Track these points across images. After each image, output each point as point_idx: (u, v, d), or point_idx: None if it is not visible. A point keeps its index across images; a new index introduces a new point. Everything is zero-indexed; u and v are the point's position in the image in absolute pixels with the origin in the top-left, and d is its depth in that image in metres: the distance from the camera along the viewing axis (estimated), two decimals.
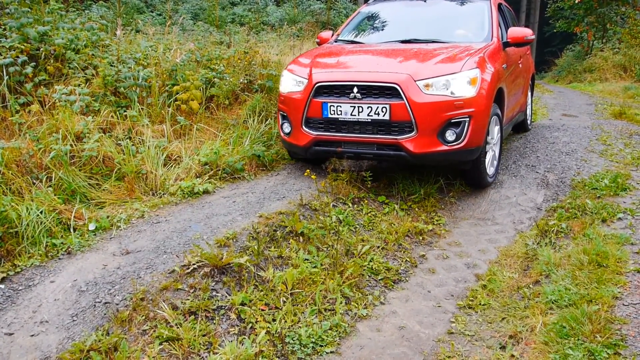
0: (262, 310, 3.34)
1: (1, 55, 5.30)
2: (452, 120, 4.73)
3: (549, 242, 4.34)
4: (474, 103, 4.77)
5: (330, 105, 4.90)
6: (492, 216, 4.99)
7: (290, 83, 5.30)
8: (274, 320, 3.27)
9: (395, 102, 4.69)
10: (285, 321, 3.26)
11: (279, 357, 3.01)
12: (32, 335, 3.03)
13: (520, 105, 7.02)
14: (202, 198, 4.73)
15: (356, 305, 3.56)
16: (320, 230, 4.23)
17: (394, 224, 4.67)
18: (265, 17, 16.31)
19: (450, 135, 4.74)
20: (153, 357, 2.85)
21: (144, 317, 3.11)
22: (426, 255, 4.31)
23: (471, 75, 4.80)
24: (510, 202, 5.21)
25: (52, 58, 5.66)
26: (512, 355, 3.03)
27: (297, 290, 3.54)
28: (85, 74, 5.80)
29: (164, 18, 13.47)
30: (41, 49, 5.61)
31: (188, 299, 3.26)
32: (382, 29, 6.34)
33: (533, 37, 5.78)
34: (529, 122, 7.91)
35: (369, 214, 4.78)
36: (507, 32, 5.90)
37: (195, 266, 3.50)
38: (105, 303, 3.21)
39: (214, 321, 3.18)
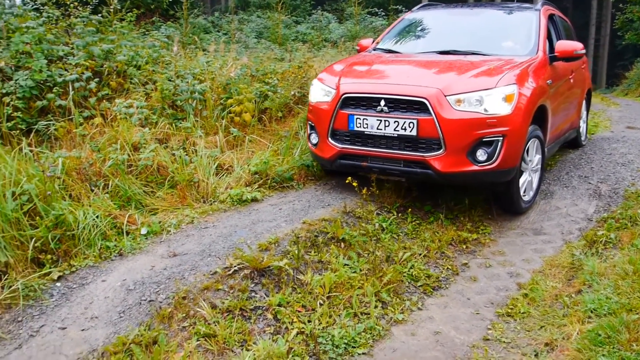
0: (299, 311, 3.44)
1: (68, 72, 5.67)
2: (484, 139, 4.46)
3: (595, 252, 4.25)
4: (509, 121, 4.48)
5: (357, 118, 4.77)
6: (540, 226, 4.92)
7: (319, 93, 5.20)
8: (309, 321, 3.36)
9: (423, 117, 4.47)
10: (320, 322, 3.34)
11: (310, 356, 3.09)
12: (82, 330, 3.24)
13: (572, 122, 6.63)
14: (250, 205, 4.89)
15: (392, 310, 3.61)
16: (362, 237, 4.30)
17: (438, 233, 4.68)
18: (327, 34, 16.56)
19: (481, 154, 4.47)
20: (190, 351, 3.00)
21: (184, 315, 3.27)
22: (469, 264, 4.30)
23: (507, 92, 4.51)
24: (560, 213, 5.11)
25: (114, 74, 6.01)
26: None
27: (334, 294, 3.62)
28: (146, 88, 6.12)
29: (229, 37, 13.92)
30: (104, 66, 5.96)
31: (227, 299, 3.41)
32: (423, 38, 6.19)
33: (583, 51, 5.47)
34: (582, 138, 7.51)
35: (413, 223, 4.80)
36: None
37: (236, 268, 3.65)
38: (150, 301, 3.39)
39: (251, 320, 3.30)
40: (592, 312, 3.34)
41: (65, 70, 5.73)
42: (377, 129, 4.67)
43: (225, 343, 3.07)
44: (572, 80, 6.26)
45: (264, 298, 3.48)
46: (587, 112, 7.82)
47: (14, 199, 3.88)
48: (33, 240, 3.77)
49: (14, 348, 3.12)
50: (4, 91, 5.24)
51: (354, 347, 3.19)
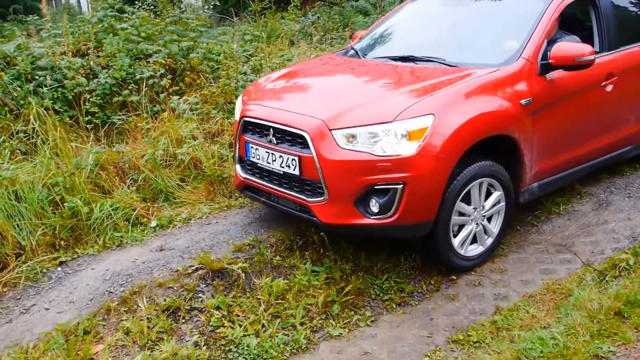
0: (238, 316, 3.56)
1: (147, 70, 6.26)
2: (377, 187, 3.56)
3: (602, 279, 3.71)
4: (413, 165, 3.47)
5: (252, 146, 4.12)
6: (572, 243, 4.36)
7: (236, 110, 4.57)
8: (240, 326, 3.46)
9: (306, 154, 3.67)
10: (247, 330, 3.43)
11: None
12: (58, 312, 3.71)
13: (627, 137, 5.07)
14: None
15: (334, 324, 3.55)
16: (345, 243, 4.23)
17: None
18: None
19: (373, 205, 3.59)
20: (109, 344, 3.30)
21: (126, 309, 3.59)
22: (457, 280, 4.01)
23: (411, 127, 3.49)
24: (604, 228, 4.47)
25: (189, 70, 6.50)
26: None
27: (280, 302, 3.66)
28: (218, 83, 6.52)
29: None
30: (179, 63, 6.47)
31: (170, 297, 3.65)
32: (399, 35, 5.19)
33: (591, 57, 4.05)
34: None
35: None
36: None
37: (195, 267, 3.87)
38: (110, 292, 3.77)
39: (182, 320, 3.51)
40: (523, 353, 2.98)
41: (146, 68, 6.33)
42: (267, 162, 4.00)
43: (141, 340, 3.32)
44: (610, 88, 4.66)
45: (208, 299, 3.66)
46: None
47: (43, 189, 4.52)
48: (52, 227, 4.37)
49: (5, 322, 3.69)
50: (88, 88, 5.96)
51: (264, 359, 3.24)
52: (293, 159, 3.75)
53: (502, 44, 4.32)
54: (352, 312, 3.67)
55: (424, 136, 3.49)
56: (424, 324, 3.58)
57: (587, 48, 4.07)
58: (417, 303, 3.79)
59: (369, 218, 3.60)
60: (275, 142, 3.89)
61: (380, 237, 4.00)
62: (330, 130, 3.60)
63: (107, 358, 3.17)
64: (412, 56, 4.46)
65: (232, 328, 3.43)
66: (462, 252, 3.96)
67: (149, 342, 3.30)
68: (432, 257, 4.02)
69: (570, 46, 4.09)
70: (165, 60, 6.39)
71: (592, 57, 4.05)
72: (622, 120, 5.00)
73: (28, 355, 3.28)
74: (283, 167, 3.86)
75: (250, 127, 4.16)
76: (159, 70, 6.24)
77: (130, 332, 3.38)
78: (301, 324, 3.53)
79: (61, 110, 5.74)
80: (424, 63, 4.34)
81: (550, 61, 4.09)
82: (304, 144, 3.69)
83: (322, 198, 3.66)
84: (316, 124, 3.66)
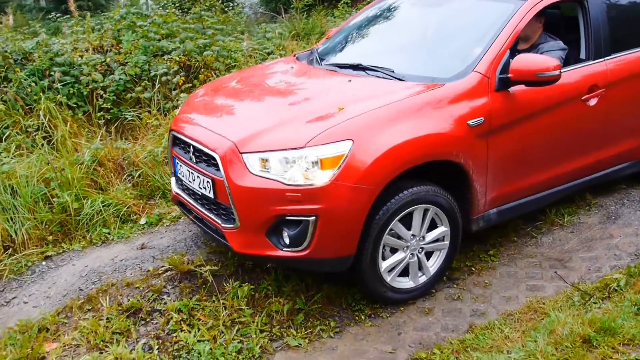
0: (199, 320, 3.51)
1: (161, 66, 6.31)
2: (288, 217, 3.22)
3: (586, 300, 3.43)
4: (327, 196, 3.09)
5: (178, 162, 3.87)
6: (569, 258, 4.07)
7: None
8: (199, 330, 3.40)
9: (218, 177, 3.34)
10: (203, 335, 3.37)
11: None
12: (34, 307, 3.78)
13: (617, 157, 4.50)
14: None
15: (295, 333, 3.43)
16: None
17: None
18: None
19: (285, 237, 3.26)
20: (64, 343, 3.31)
21: (90, 307, 3.60)
22: (436, 293, 3.82)
23: (323, 154, 3.10)
24: (607, 244, 4.15)
25: (203, 68, 6.50)
26: None
27: (243, 308, 3.58)
28: None
29: None
30: (194, 60, 6.48)
31: (134, 298, 3.63)
32: (355, 42, 4.67)
33: (556, 72, 3.51)
34: None
35: None
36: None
37: (165, 268, 3.84)
38: (80, 289, 3.80)
39: (143, 322, 3.49)
40: None
41: (161, 65, 6.38)
42: (189, 180, 3.73)
43: (95, 341, 3.31)
44: (594, 102, 4.11)
45: (171, 302, 3.62)
46: None
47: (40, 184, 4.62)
48: (43, 222, 4.46)
49: None
50: (102, 84, 6.07)
51: None
52: (208, 181, 3.46)
53: (459, 55, 3.80)
54: (318, 322, 3.54)
55: (339, 164, 3.09)
56: (390, 339, 3.42)
57: (551, 62, 3.51)
58: (388, 315, 3.63)
59: (282, 250, 3.27)
60: (195, 160, 3.60)
61: (296, 268, 3.69)
62: (241, 153, 3.25)
63: (57, 357, 3.18)
64: (361, 65, 3.98)
65: (189, 332, 3.38)
66: (388, 280, 3.54)
67: (102, 342, 3.29)
68: (358, 285, 3.64)
69: (532, 59, 3.58)
70: (180, 58, 6.42)
71: (556, 72, 3.51)
72: (614, 136, 4.41)
73: None
74: (200, 188, 3.58)
75: (177, 141, 3.87)
76: (172, 67, 6.28)
77: (86, 332, 3.38)
78: (261, 331, 3.43)
79: (75, 105, 5.86)
80: (371, 73, 3.87)
81: (509, 75, 3.57)
82: (216, 165, 3.36)
83: (233, 225, 3.35)
84: (227, 146, 3.30)
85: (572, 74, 4.02)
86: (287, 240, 3.24)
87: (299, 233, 3.18)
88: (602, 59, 4.20)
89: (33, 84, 5.71)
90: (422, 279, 3.68)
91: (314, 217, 3.12)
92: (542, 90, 3.71)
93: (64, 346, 3.30)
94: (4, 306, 3.84)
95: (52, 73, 5.86)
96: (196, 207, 3.73)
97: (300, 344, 3.36)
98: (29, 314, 3.66)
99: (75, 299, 3.68)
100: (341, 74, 4.00)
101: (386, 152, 3.17)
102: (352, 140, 3.13)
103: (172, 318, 3.48)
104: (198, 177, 3.57)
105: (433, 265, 3.70)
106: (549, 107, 3.86)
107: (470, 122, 3.48)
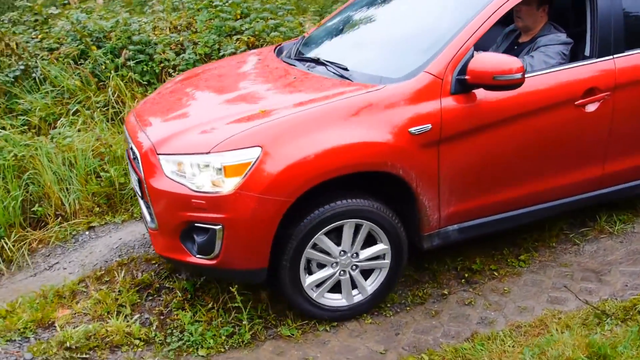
0: (203, 301, 3.59)
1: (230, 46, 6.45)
2: (197, 224, 3.06)
3: (601, 321, 3.12)
4: (231, 206, 2.92)
5: (127, 156, 3.80)
6: (608, 271, 3.69)
7: None
8: (198, 311, 3.49)
9: (142, 176, 3.28)
10: (201, 317, 3.44)
11: (147, 342, 3.29)
12: (70, 273, 4.08)
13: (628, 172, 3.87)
14: None
15: (290, 323, 3.41)
16: None
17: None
18: None
19: (196, 244, 3.12)
20: (75, 311, 3.54)
21: (108, 279, 3.81)
22: (448, 296, 3.63)
23: (227, 161, 2.92)
24: None
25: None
26: None
27: (248, 292, 3.61)
28: None
29: None
30: (261, 41, 6.55)
31: (147, 273, 3.79)
32: (332, 33, 4.29)
33: (517, 76, 3.02)
34: None
35: None
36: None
37: None
38: (106, 261, 4.03)
39: (149, 298, 3.64)
40: None
41: (231, 45, 6.52)
42: (131, 176, 3.70)
43: (102, 311, 3.50)
44: (594, 108, 3.50)
45: (182, 281, 3.73)
46: None
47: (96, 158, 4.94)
48: (93, 194, 4.76)
49: (30, 275, 4.15)
50: (174, 63, 6.32)
51: (199, 347, 3.24)
52: (137, 179, 3.41)
53: (416, 53, 3.35)
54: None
55: (245, 173, 2.90)
56: (386, 339, 3.31)
57: (514, 63, 3.03)
58: (392, 314, 3.51)
59: (195, 257, 3.14)
60: (132, 156, 3.51)
61: (216, 277, 3.58)
62: (158, 154, 3.13)
63: (63, 323, 3.40)
64: (320, 60, 3.67)
65: (189, 312, 3.47)
66: (314, 296, 3.30)
67: (106, 314, 3.47)
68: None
69: (490, 59, 3.09)
70: (249, 39, 6.51)
71: (518, 75, 3.01)
72: (622, 149, 3.75)
73: (15, 308, 3.63)
74: (136, 185, 3.53)
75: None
76: (240, 48, 6.39)
77: (95, 302, 3.58)
78: (260, 317, 3.46)
79: (146, 83, 6.15)
80: (320, 70, 3.58)
81: (466, 77, 3.12)
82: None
83: (155, 226, 3.26)
84: (147, 146, 3.22)
85: (562, 75, 3.46)
86: (197, 248, 3.12)
87: (207, 241, 3.04)
88: (610, 57, 3.55)
89: (108, 62, 6.05)
90: (358, 298, 3.41)
91: (220, 226, 2.98)
92: (517, 94, 3.22)
93: (74, 314, 3.52)
94: (47, 270, 4.16)
95: (128, 51, 6.17)
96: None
97: (293, 334, 3.35)
98: (60, 278, 3.95)
99: (98, 270, 3.91)
100: (297, 69, 3.73)
101: (298, 161, 2.93)
102: (261, 147, 2.92)
103: (177, 296, 3.60)
104: (133, 174, 3.55)
105: (372, 284, 3.41)
106: (526, 113, 3.34)
107: (412, 129, 3.09)
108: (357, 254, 3.29)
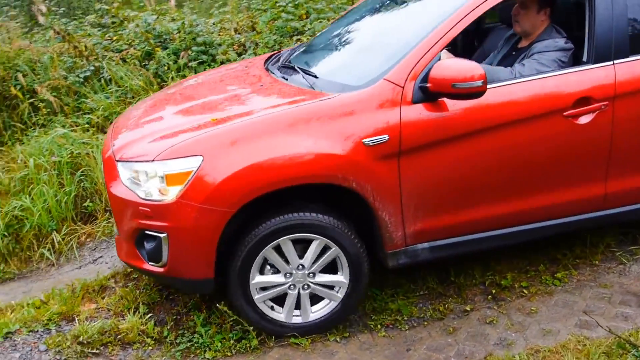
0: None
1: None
2: (147, 232, 3.06)
3: (624, 352, 2.84)
4: (173, 215, 2.91)
5: None
6: None
7: None
8: (213, 313, 3.53)
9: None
10: (215, 319, 3.47)
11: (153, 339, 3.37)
12: (109, 267, 4.26)
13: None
14: None
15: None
16: None
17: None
18: None
19: (145, 251, 3.14)
20: (99, 306, 3.68)
21: (136, 276, 3.93)
22: (470, 312, 3.44)
23: (169, 169, 2.92)
24: None
25: None
26: None
27: None
28: None
29: None
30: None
31: None
32: (322, 40, 4.25)
33: (478, 83, 2.80)
34: None
35: None
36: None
37: None
38: None
39: (169, 297, 3.72)
40: None
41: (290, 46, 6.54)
42: None
43: (121, 307, 3.62)
44: (588, 119, 3.17)
45: None
46: None
47: None
48: None
49: (75, 268, 4.40)
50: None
51: (206, 350, 3.27)
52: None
53: (380, 60, 3.21)
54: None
55: (186, 182, 2.88)
56: (395, 354, 3.20)
57: (475, 70, 2.82)
58: (407, 328, 3.38)
59: (148, 264, 3.15)
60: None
61: (173, 286, 3.59)
62: (116, 160, 3.18)
63: (85, 316, 3.55)
64: (294, 66, 3.62)
65: (203, 313, 3.51)
66: (264, 310, 3.23)
67: (126, 310, 3.58)
68: None
69: (450, 66, 2.89)
70: (308, 39, 6.49)
71: (479, 82, 2.80)
72: (624, 165, 3.35)
73: (50, 300, 3.83)
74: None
75: None
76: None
77: (118, 299, 3.71)
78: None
79: None
80: (300, 77, 3.44)
81: (428, 85, 2.92)
82: None
83: (117, 232, 3.34)
84: (109, 152, 3.30)
85: (548, 83, 3.16)
86: (146, 255, 3.13)
87: (155, 249, 3.04)
88: (610, 63, 3.20)
89: (171, 62, 6.24)
90: (297, 319, 3.28)
91: (165, 234, 2.98)
92: (493, 104, 3.03)
93: (98, 309, 3.67)
94: (91, 263, 4.38)
95: (191, 52, 6.34)
96: None
97: (302, 344, 3.30)
98: (101, 271, 4.13)
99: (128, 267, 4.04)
100: (271, 77, 3.65)
101: (239, 171, 2.87)
102: (202, 156, 2.89)
103: (195, 297, 3.66)
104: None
105: (318, 311, 3.28)
106: (503, 124, 3.08)
107: (366, 140, 2.93)
108: (314, 274, 3.18)
